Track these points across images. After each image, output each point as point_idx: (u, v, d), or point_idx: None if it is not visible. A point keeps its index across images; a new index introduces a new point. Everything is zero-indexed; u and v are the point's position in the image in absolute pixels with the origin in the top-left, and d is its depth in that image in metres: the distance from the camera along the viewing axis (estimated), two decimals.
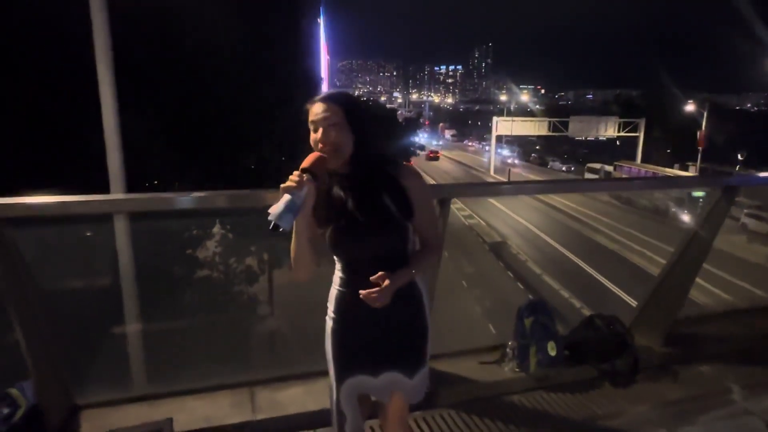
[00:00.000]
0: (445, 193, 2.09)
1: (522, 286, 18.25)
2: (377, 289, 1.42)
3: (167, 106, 9.69)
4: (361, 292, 1.44)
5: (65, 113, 7.24)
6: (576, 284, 17.54)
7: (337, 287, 1.64)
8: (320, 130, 1.47)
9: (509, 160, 51.53)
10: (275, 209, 1.29)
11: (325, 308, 1.69)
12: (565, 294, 16.88)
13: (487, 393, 2.60)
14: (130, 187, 4.17)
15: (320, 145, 1.46)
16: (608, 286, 17.41)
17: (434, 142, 80.00)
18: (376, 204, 1.49)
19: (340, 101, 1.50)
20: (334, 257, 1.62)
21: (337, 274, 1.64)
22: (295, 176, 1.36)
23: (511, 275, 19.37)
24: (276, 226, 1.29)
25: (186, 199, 2.17)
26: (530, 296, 16.44)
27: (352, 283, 1.57)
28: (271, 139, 12.36)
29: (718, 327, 3.37)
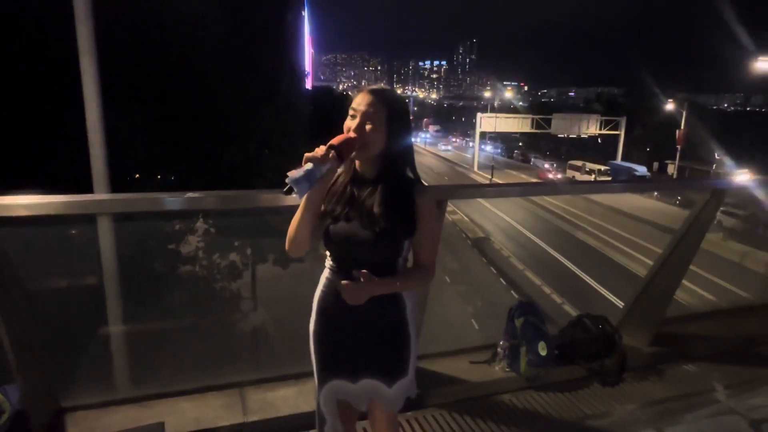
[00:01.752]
0: (441, 195, 2.08)
1: (504, 282, 18.43)
2: (354, 282, 1.41)
3: (150, 98, 9.52)
4: (340, 283, 1.42)
5: (43, 108, 7.06)
6: (558, 281, 17.76)
7: (322, 288, 1.62)
8: (357, 120, 1.45)
9: (493, 157, 51.96)
10: (294, 174, 1.31)
11: (311, 307, 1.67)
12: (547, 290, 17.08)
13: (478, 393, 2.62)
14: (111, 182, 4.08)
15: (351, 134, 1.45)
16: (589, 282, 17.66)
17: (419, 138, 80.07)
18: (384, 211, 1.47)
19: (388, 101, 1.47)
20: (326, 253, 1.61)
21: (325, 275, 1.62)
22: (321, 149, 1.36)
23: (494, 271, 19.54)
24: (290, 189, 1.31)
25: (176, 200, 2.12)
26: (517, 296, 16.66)
27: (335, 284, 1.55)
28: (256, 133, 12.25)
29: (701, 327, 3.43)
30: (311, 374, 2.59)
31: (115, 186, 4.30)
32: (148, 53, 9.36)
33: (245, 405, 2.35)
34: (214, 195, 2.16)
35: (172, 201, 2.12)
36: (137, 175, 9.60)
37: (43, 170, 6.76)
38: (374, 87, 1.50)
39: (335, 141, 1.39)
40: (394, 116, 1.47)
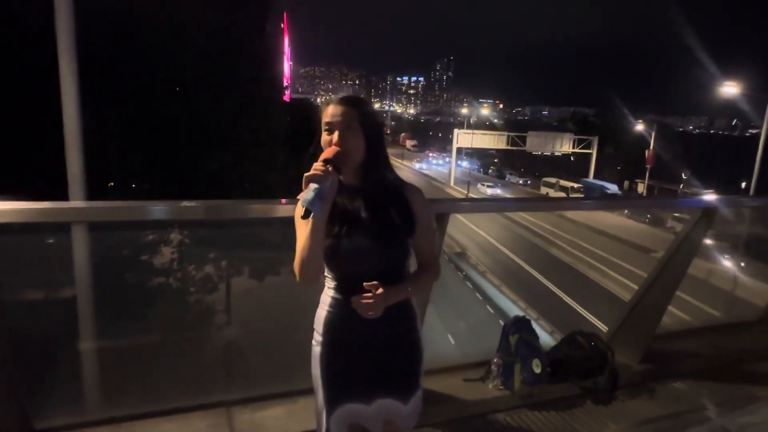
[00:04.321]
0: (444, 209, 2.04)
1: (480, 297, 18.51)
2: (371, 294, 1.35)
3: (126, 105, 9.30)
4: (353, 299, 1.37)
5: (17, 110, 6.80)
6: (532, 296, 17.93)
7: (327, 308, 1.53)
8: (336, 133, 1.41)
9: (470, 172, 52.51)
10: (305, 195, 1.29)
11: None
12: (522, 304, 17.21)
13: (472, 412, 2.56)
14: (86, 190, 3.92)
15: (333, 147, 1.41)
16: (563, 297, 17.88)
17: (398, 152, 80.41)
18: (382, 216, 1.44)
19: (357, 105, 1.45)
20: (328, 274, 1.53)
21: (328, 294, 1.54)
22: (320, 166, 1.33)
23: (470, 285, 19.61)
24: (307, 212, 1.29)
25: (160, 209, 2.03)
26: (492, 311, 16.73)
27: (343, 303, 1.48)
28: (234, 143, 12.08)
29: (688, 344, 3.46)
30: (299, 392, 2.51)
31: (89, 194, 4.13)
32: (124, 59, 9.16)
33: (232, 425, 2.24)
34: (213, 204, 2.07)
35: (159, 210, 2.02)
36: (111, 184, 9.32)
37: (13, 174, 6.50)
38: (341, 95, 1.47)
39: (328, 155, 1.38)
40: (367, 120, 1.45)
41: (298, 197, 1.31)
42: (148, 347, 3.35)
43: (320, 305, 1.56)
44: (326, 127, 1.44)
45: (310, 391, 2.44)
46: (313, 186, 1.30)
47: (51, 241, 2.68)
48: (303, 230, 1.40)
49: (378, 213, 1.44)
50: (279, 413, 2.33)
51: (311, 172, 1.33)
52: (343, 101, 1.45)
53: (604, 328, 3.56)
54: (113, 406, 2.31)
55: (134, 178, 10.44)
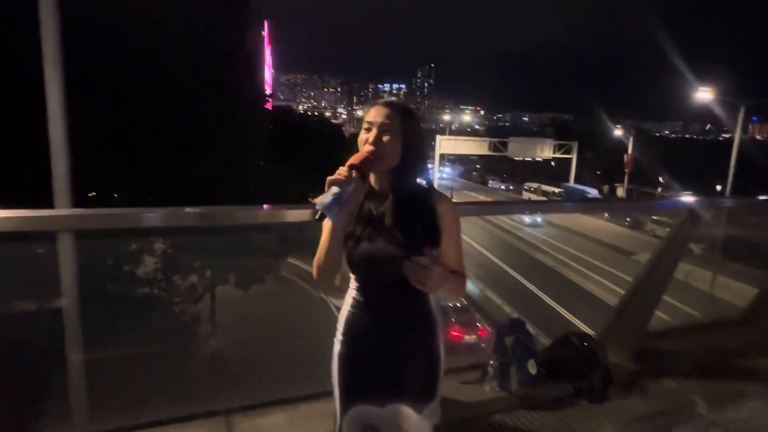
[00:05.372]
0: None
1: (466, 302, 18.58)
2: (430, 262, 1.34)
3: (108, 114, 9.18)
4: (410, 261, 1.34)
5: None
6: (516, 298, 18.08)
7: (349, 308, 1.56)
8: (374, 132, 1.44)
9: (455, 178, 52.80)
10: (322, 199, 1.29)
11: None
12: (508, 309, 17.32)
13: (470, 414, 2.58)
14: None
15: (368, 147, 1.44)
16: (546, 300, 18.07)
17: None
18: (405, 223, 1.45)
19: (401, 111, 1.48)
20: (351, 275, 1.55)
21: (351, 295, 1.57)
22: (344, 170, 1.34)
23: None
24: (322, 216, 1.30)
25: (153, 216, 2.02)
26: (477, 315, 16.80)
27: (365, 305, 1.51)
28: (217, 151, 12.00)
29: (676, 344, 3.53)
30: (299, 399, 2.50)
31: (71, 205, 4.07)
32: (104, 67, 9.05)
33: None
34: (194, 212, 2.06)
35: (151, 217, 2.01)
36: (93, 194, 9.18)
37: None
38: (387, 99, 1.51)
39: (355, 160, 1.38)
40: (408, 127, 1.48)
41: (316, 200, 1.31)
42: (142, 358, 3.31)
43: (344, 305, 1.58)
44: (366, 126, 1.47)
45: (310, 397, 2.46)
46: (333, 190, 1.31)
47: (40, 251, 2.63)
48: (324, 231, 1.42)
49: (401, 220, 1.45)
50: (280, 420, 2.32)
51: (335, 176, 1.33)
52: (389, 105, 1.48)
53: (587, 330, 3.62)
54: (110, 417, 2.27)
55: (116, 187, 10.30)
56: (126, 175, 9.52)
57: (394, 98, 1.61)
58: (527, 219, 29.09)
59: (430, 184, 1.57)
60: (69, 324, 3.07)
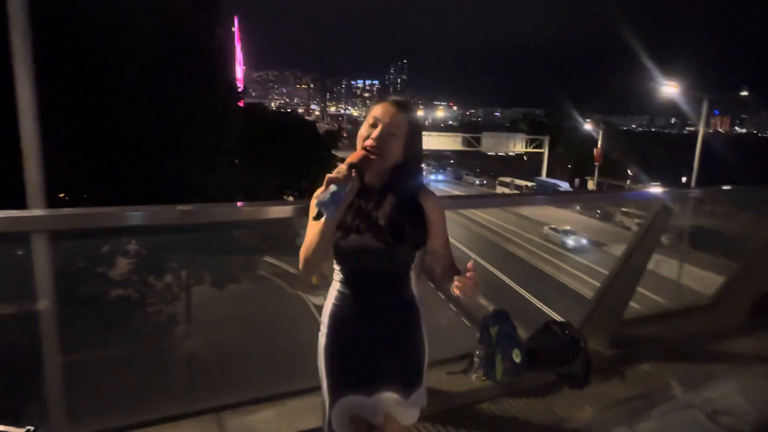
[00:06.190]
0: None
1: (443, 297, 18.76)
2: (472, 275, 1.35)
3: (76, 112, 8.92)
4: (455, 283, 1.35)
5: None
6: (491, 290, 18.35)
7: (333, 301, 1.58)
8: (378, 129, 1.46)
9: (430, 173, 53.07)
10: (321, 197, 1.32)
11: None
12: (484, 302, 17.56)
13: (457, 403, 2.64)
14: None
15: (369, 142, 1.45)
16: (520, 291, 18.42)
17: None
18: (391, 218, 1.48)
19: (410, 115, 1.51)
20: (336, 267, 1.58)
21: (335, 288, 1.59)
22: (344, 169, 1.37)
23: (431, 284, 19.80)
24: (320, 214, 1.32)
25: (135, 215, 2.01)
26: (456, 309, 17.00)
27: (350, 297, 1.54)
28: (190, 149, 11.80)
29: (650, 330, 3.67)
30: (287, 394, 2.52)
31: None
32: (71, 64, 8.79)
33: (224, 430, 2.22)
34: (175, 210, 2.05)
35: (135, 216, 2.00)
36: (62, 195, 8.93)
37: None
38: (395, 98, 1.53)
39: (354, 159, 1.41)
40: (414, 128, 1.51)
41: (314, 195, 1.34)
42: (129, 357, 3.26)
43: (327, 298, 1.60)
44: (371, 122, 1.48)
45: (298, 392, 2.48)
46: (332, 188, 1.33)
47: (20, 253, 2.57)
48: (313, 226, 1.44)
49: (390, 214, 1.48)
50: (269, 416, 2.34)
51: (334, 174, 1.36)
52: (397, 104, 1.50)
53: (560, 319, 3.73)
54: (99, 418, 2.24)
55: (86, 188, 10.03)
56: (95, 175, 9.29)
57: (401, 97, 1.63)
58: (570, 242, 23.21)
59: (418, 179, 1.60)
60: (45, 326, 3.01)
